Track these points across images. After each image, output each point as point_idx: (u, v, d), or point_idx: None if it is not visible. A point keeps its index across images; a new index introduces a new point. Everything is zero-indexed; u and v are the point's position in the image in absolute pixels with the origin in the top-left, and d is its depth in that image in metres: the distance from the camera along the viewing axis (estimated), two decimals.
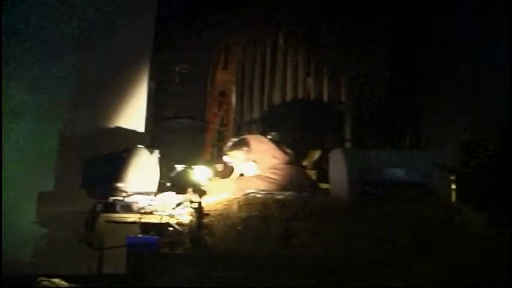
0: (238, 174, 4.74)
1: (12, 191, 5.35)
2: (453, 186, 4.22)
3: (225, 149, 4.81)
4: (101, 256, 4.08)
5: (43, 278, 4.38)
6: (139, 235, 4.45)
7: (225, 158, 4.77)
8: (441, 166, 4.11)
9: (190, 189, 3.40)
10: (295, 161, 4.62)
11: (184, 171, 3.40)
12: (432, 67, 4.92)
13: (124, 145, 5.59)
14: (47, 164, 5.52)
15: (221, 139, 7.08)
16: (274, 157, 4.49)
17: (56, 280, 4.35)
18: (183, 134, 7.11)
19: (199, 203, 3.18)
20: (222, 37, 7.38)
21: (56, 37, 5.87)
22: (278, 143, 4.75)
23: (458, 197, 4.22)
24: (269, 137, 5.55)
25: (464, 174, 4.28)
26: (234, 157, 4.68)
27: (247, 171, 4.60)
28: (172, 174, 3.56)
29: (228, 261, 3.48)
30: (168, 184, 4.48)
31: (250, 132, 6.77)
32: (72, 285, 4.38)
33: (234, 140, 4.85)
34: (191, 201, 3.26)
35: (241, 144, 4.68)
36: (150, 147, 4.61)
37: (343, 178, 3.71)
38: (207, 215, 3.31)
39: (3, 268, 4.60)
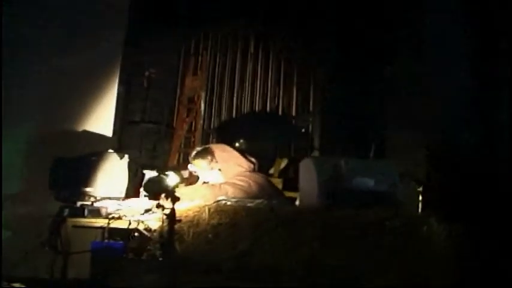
0: (202, 183, 4.79)
1: None
2: (419, 197, 4.36)
3: (189, 158, 4.87)
4: (65, 260, 4.10)
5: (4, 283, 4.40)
6: (105, 240, 4.51)
7: (189, 167, 4.82)
8: (407, 176, 4.25)
9: (163, 195, 3.44)
10: (259, 169, 4.70)
11: (157, 177, 3.45)
12: (398, 75, 5.07)
13: (91, 149, 5.63)
14: (14, 165, 5.49)
15: (188, 145, 7.17)
16: (239, 165, 4.56)
17: (17, 285, 4.37)
18: (149, 139, 7.19)
19: (173, 209, 3.23)
20: (193, 40, 7.51)
21: (28, 38, 5.86)
22: (242, 151, 4.82)
23: (424, 207, 4.36)
24: (237, 144, 5.64)
25: (430, 184, 4.42)
26: (198, 166, 4.74)
27: (211, 179, 4.67)
28: (145, 180, 3.59)
29: (195, 267, 3.56)
30: (141, 190, 4.55)
31: (217, 139, 6.90)
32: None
33: (198, 149, 4.91)
34: (163, 208, 3.31)
35: (205, 153, 4.74)
36: (120, 152, 4.64)
37: (313, 186, 3.81)
38: (179, 221, 3.37)
39: None
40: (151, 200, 3.55)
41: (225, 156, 4.63)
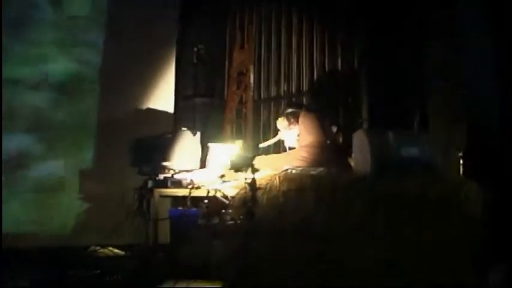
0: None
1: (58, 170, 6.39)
2: (460, 163, 5.30)
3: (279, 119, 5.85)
4: (155, 227, 5.16)
5: (95, 247, 5.52)
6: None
7: (277, 123, 5.88)
8: (449, 146, 5.20)
9: (245, 168, 4.42)
10: (330, 140, 5.66)
11: (240, 154, 4.42)
12: (436, 54, 5.94)
13: (155, 125, 6.70)
14: (88, 144, 6.56)
15: (240, 116, 8.17)
16: (313, 135, 5.52)
17: (107, 249, 5.49)
18: (202, 112, 8.19)
19: (253, 179, 4.24)
20: (238, 14, 8.44)
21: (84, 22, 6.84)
22: (323, 122, 5.76)
23: (464, 174, 5.30)
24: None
25: (470, 152, 5.34)
26: (280, 124, 5.80)
27: (286, 139, 5.73)
28: (232, 157, 4.55)
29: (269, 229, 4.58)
30: (208, 161, 5.59)
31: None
32: (121, 252, 5.52)
33: (289, 110, 5.85)
34: (245, 178, 4.30)
35: (290, 115, 5.75)
36: (193, 129, 5.66)
37: (366, 156, 4.77)
38: (259, 188, 4.36)
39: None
40: (235, 173, 4.50)
41: (307, 125, 5.59)
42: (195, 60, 8.02)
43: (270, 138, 6.46)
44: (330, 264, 4.46)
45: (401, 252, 4.39)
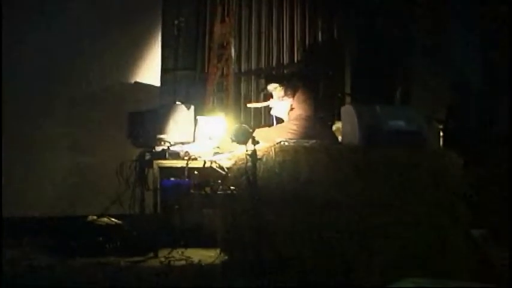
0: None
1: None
2: (441, 135, 5.89)
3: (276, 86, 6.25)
4: (155, 196, 5.64)
5: (94, 217, 5.98)
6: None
7: (269, 87, 6.27)
8: (430, 119, 5.77)
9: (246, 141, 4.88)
10: (317, 114, 6.18)
11: (241, 127, 4.87)
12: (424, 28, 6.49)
13: (142, 98, 7.12)
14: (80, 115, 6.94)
15: (221, 89, 8.63)
16: (303, 109, 6.03)
17: (106, 218, 5.95)
18: (183, 85, 8.62)
19: (254, 150, 4.73)
20: None
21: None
22: (312, 97, 6.24)
23: (445, 144, 5.90)
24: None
25: (450, 124, 5.94)
26: (275, 91, 6.20)
27: (277, 108, 6.20)
28: (233, 130, 5.00)
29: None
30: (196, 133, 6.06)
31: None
32: (117, 221, 5.98)
33: (286, 83, 6.28)
34: (246, 150, 4.78)
35: (287, 87, 6.17)
36: (187, 104, 6.11)
37: (355, 129, 5.29)
38: (260, 159, 4.85)
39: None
40: (240, 145, 4.96)
41: (301, 99, 6.07)
42: (175, 33, 8.49)
43: (250, 114, 6.96)
44: (325, 231, 4.96)
45: (392, 214, 4.93)
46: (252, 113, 7.98)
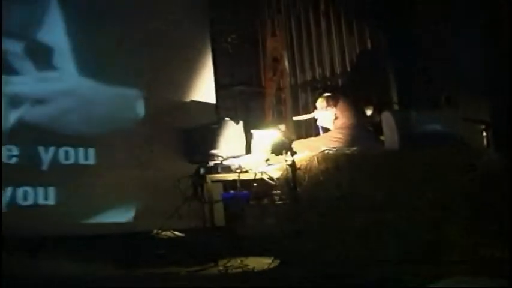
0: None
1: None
2: (483, 135, 6.19)
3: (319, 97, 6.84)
4: (211, 209, 6.16)
5: (158, 231, 6.55)
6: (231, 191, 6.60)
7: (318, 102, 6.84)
8: (470, 120, 6.09)
9: (284, 151, 5.38)
10: (361, 121, 6.62)
11: (280, 139, 5.38)
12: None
13: (199, 116, 7.69)
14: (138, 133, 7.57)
15: (279, 102, 9.14)
16: (346, 117, 6.50)
17: (168, 232, 6.51)
18: (241, 100, 9.19)
19: (293, 161, 5.21)
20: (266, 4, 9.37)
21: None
22: (357, 104, 6.69)
23: (487, 145, 6.18)
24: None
25: (492, 125, 6.22)
26: (318, 104, 6.78)
27: (322, 118, 6.71)
28: (273, 141, 5.50)
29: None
30: (252, 146, 6.55)
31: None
32: (179, 234, 6.53)
33: (327, 94, 6.84)
34: (285, 160, 5.28)
35: (329, 98, 6.75)
36: (235, 118, 6.64)
37: (394, 134, 5.72)
38: (298, 169, 5.33)
39: None
40: (277, 156, 5.45)
41: (343, 107, 6.56)
42: (230, 50, 9.07)
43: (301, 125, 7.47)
44: (371, 233, 5.37)
45: (434, 214, 5.29)
46: (313, 124, 8.39)
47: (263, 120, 8.75)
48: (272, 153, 5.46)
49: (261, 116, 8.91)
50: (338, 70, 8.63)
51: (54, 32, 7.25)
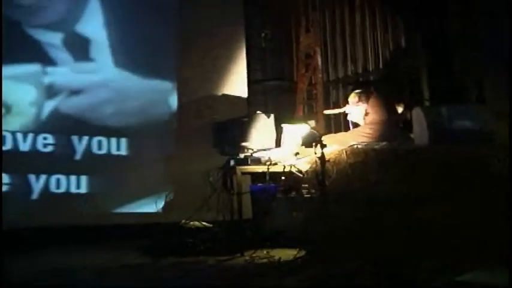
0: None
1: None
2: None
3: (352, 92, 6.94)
4: (239, 200, 6.29)
5: (186, 221, 6.70)
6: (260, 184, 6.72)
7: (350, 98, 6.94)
8: (501, 115, 6.15)
9: (314, 143, 5.50)
10: (392, 118, 6.72)
11: (310, 132, 5.51)
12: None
13: (231, 110, 7.85)
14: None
15: (311, 97, 9.26)
16: (377, 113, 6.60)
17: (197, 222, 6.66)
18: (273, 95, 9.33)
19: (322, 153, 5.33)
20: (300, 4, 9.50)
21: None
22: (388, 101, 6.80)
23: None
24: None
25: None
26: (350, 98, 6.89)
27: (353, 113, 6.83)
28: (303, 135, 5.63)
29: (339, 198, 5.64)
30: (282, 139, 6.67)
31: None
32: (207, 224, 6.68)
33: (360, 90, 6.93)
34: (315, 152, 5.39)
35: (361, 93, 6.85)
36: (267, 113, 6.77)
37: (424, 130, 5.80)
38: (328, 161, 5.44)
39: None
40: (307, 149, 5.56)
41: (374, 103, 6.66)
42: (263, 45, 9.22)
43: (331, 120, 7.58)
44: (396, 227, 5.46)
45: (462, 212, 5.36)
46: (342, 120, 8.50)
47: (294, 115, 8.86)
48: (302, 145, 5.57)
49: (292, 111, 9.02)
50: (371, 67, 8.72)
51: (93, 24, 7.47)
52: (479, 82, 6.80)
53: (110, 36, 7.64)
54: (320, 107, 9.04)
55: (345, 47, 9.08)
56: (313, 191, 5.85)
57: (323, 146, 5.30)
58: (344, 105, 7.32)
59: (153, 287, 5.01)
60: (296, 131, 6.70)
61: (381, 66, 8.62)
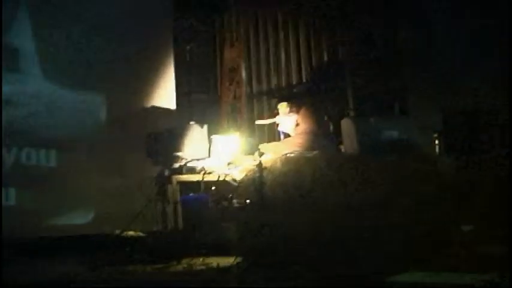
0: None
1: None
2: (436, 142, 6.68)
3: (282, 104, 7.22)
4: (175, 208, 6.45)
5: (120, 232, 6.79)
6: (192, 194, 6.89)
7: (279, 106, 7.27)
8: (424, 128, 6.57)
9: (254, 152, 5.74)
10: (321, 128, 7.02)
11: (248, 139, 5.75)
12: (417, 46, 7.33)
13: (159, 121, 7.96)
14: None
15: (235, 110, 9.47)
16: (307, 124, 6.89)
17: (131, 232, 6.76)
18: (198, 108, 9.48)
19: (260, 161, 5.57)
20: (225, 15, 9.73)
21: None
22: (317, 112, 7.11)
23: (440, 152, 6.68)
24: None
25: (444, 133, 6.72)
26: (281, 108, 7.25)
27: (284, 123, 7.11)
28: (243, 143, 5.87)
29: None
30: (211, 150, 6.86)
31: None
32: (141, 234, 6.79)
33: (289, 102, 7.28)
34: (254, 159, 5.63)
35: (292, 105, 7.23)
36: (200, 123, 6.95)
37: (353, 139, 6.13)
38: (265, 168, 5.69)
39: None
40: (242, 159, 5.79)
41: (305, 114, 6.96)
42: (188, 59, 9.39)
43: (263, 130, 7.84)
44: (329, 233, 5.73)
45: (389, 214, 5.71)
46: (266, 131, 8.75)
47: (219, 127, 9.02)
48: (242, 153, 5.79)
49: (218, 124, 9.17)
50: (294, 80, 9.04)
51: (21, 34, 7.43)
52: (402, 95, 7.19)
53: (38, 48, 7.62)
54: (243, 120, 9.26)
55: (269, 62, 9.35)
56: (245, 200, 6.05)
57: (261, 153, 5.54)
58: (270, 117, 7.59)
59: None
60: (227, 142, 6.93)
61: (303, 80, 8.93)
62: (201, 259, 6.33)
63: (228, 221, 6.72)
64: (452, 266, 5.46)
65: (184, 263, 6.19)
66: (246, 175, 6.05)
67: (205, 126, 6.94)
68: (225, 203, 6.55)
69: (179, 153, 6.69)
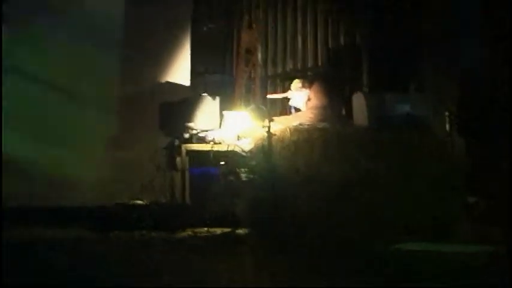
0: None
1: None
2: (448, 121, 6.67)
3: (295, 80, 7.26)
4: (183, 177, 6.48)
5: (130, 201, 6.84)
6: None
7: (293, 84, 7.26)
8: (438, 105, 6.54)
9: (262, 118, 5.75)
10: (333, 103, 7.02)
11: (259, 107, 5.77)
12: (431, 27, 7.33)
13: (173, 96, 8.01)
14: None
15: (249, 92, 9.49)
16: (319, 99, 6.88)
17: (139, 201, 6.80)
18: (212, 87, 9.51)
19: (269, 127, 5.58)
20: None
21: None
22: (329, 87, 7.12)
23: (451, 129, 6.67)
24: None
25: (457, 114, 6.71)
26: (293, 84, 7.22)
27: (296, 98, 7.12)
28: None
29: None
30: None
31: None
32: (144, 202, 6.83)
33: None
34: (263, 126, 5.65)
35: (305, 80, 7.25)
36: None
37: (363, 113, 6.12)
38: (274, 135, 5.70)
39: None
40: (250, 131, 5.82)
41: (317, 89, 6.95)
42: (204, 39, 9.43)
43: (275, 106, 7.92)
44: (338, 206, 5.75)
45: (398, 187, 5.71)
46: (279, 106, 8.70)
47: (232, 106, 9.04)
48: (253, 124, 5.82)
49: (230, 103, 9.19)
50: (310, 64, 9.04)
51: None
52: (418, 72, 7.19)
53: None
54: (257, 102, 9.26)
55: (285, 44, 9.34)
56: (252, 175, 6.06)
57: (271, 119, 5.55)
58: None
59: None
60: (238, 117, 6.95)
61: (319, 63, 8.93)
62: (205, 229, 6.38)
63: (236, 195, 6.76)
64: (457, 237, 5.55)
65: (189, 231, 6.22)
66: (254, 144, 6.05)
67: (218, 98, 6.96)
68: (232, 177, 6.57)
69: (190, 124, 6.71)
